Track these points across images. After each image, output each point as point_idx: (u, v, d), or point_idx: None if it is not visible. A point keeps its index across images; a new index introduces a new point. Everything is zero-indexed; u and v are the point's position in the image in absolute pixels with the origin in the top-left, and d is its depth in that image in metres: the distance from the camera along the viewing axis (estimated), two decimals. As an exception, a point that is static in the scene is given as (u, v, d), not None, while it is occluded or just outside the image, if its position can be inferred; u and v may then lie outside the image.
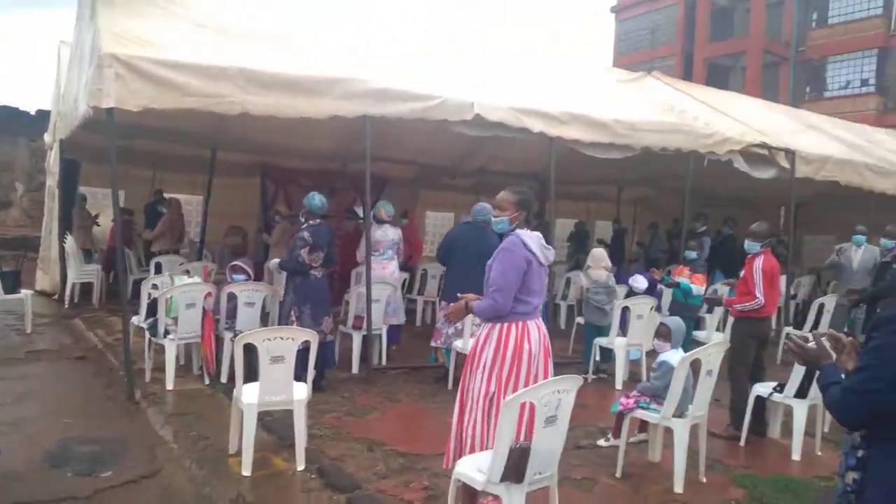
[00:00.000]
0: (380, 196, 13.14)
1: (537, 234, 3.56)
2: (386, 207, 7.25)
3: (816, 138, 10.94)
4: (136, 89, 5.29)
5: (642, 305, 6.71)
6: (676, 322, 4.51)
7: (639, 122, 7.94)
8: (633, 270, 11.51)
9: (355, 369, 6.57)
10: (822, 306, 8.26)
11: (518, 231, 3.50)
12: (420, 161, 11.79)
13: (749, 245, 5.31)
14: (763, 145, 9.07)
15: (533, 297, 3.46)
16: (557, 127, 7.32)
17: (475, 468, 3.06)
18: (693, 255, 7.42)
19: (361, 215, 8.69)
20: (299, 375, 4.39)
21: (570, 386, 3.06)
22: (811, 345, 2.26)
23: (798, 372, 4.82)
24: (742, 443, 5.12)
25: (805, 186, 10.86)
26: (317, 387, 5.91)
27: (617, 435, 4.47)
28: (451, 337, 6.21)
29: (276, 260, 6.24)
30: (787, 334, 3.40)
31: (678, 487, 4.08)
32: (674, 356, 4.26)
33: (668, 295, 7.65)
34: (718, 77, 25.70)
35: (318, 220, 5.99)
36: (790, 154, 9.26)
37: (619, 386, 6.61)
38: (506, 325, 3.41)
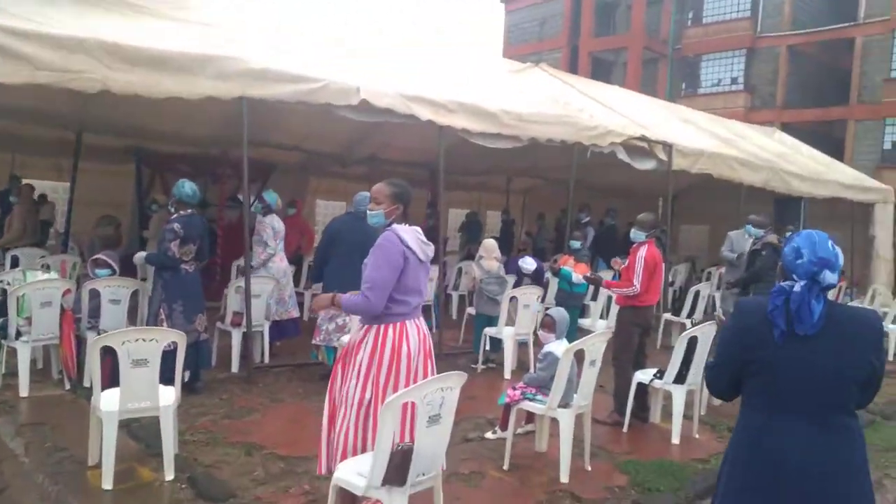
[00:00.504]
0: (265, 184, 12.80)
1: (415, 228, 3.37)
2: (269, 196, 6.89)
3: (692, 132, 11.49)
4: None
5: (529, 295, 6.74)
6: (561, 313, 4.51)
7: (526, 113, 7.97)
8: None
9: (235, 368, 6.21)
10: (697, 293, 8.63)
11: (395, 226, 3.29)
12: (307, 147, 11.39)
13: (635, 234, 5.41)
14: (643, 138, 9.37)
15: (411, 297, 3.27)
16: (446, 115, 7.21)
17: (355, 472, 2.89)
18: (577, 244, 7.54)
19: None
20: (168, 378, 4.04)
21: (453, 383, 2.94)
22: None
23: (677, 358, 4.96)
24: (625, 429, 5.22)
25: (681, 178, 11.42)
26: (192, 389, 5.57)
27: (504, 427, 4.42)
28: (332, 333, 5.97)
29: (143, 253, 5.77)
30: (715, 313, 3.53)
31: (564, 477, 4.08)
32: (558, 347, 4.25)
33: (554, 285, 7.75)
34: (602, 71, 26.62)
35: (189, 210, 5.57)
36: (668, 147, 9.63)
37: (507, 376, 6.61)
38: (382, 326, 3.21)
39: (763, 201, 12.41)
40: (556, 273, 7.04)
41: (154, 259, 5.49)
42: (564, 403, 4.14)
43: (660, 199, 18.04)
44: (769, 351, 2.16)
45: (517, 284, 7.45)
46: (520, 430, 4.61)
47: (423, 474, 2.92)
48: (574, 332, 7.59)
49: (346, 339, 5.78)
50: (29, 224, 9.44)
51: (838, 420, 2.17)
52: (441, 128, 7.23)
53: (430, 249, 3.38)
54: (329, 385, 3.32)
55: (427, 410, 2.82)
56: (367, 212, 3.37)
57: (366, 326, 3.24)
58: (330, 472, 3.16)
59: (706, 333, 5.02)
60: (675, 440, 5.00)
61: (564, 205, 14.03)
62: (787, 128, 21.24)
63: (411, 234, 3.29)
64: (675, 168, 9.74)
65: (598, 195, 15.52)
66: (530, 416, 4.64)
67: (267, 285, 6.39)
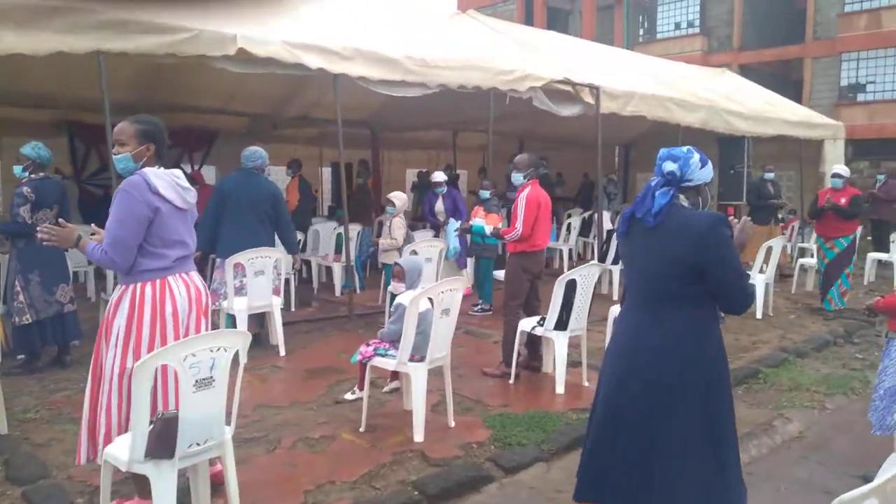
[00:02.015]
0: (209, 152, 12.33)
1: (173, 171, 2.98)
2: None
3: (626, 75, 11.09)
4: None
5: (431, 249, 6.44)
6: (412, 262, 4.22)
7: (433, 58, 7.56)
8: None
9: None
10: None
11: (146, 170, 2.89)
12: (233, 110, 10.89)
13: (514, 177, 5.11)
14: (566, 81, 9.00)
15: (170, 249, 2.90)
16: (339, 63, 6.79)
17: (125, 447, 2.60)
18: (486, 193, 7.20)
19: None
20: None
21: (228, 343, 2.64)
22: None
23: (556, 303, 4.70)
24: (511, 380, 4.98)
25: (634, 124, 11.03)
26: (61, 363, 5.29)
27: (362, 386, 4.16)
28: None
29: None
30: None
31: (418, 436, 3.84)
32: (407, 297, 3.96)
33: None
34: (559, 21, 26.03)
35: (42, 174, 5.18)
36: (594, 90, 9.26)
37: None
38: (139, 285, 2.85)
39: (706, 143, 12.18)
40: (468, 231, 6.73)
41: (3, 228, 5.11)
42: (419, 357, 3.86)
43: (616, 148, 17.95)
44: (622, 247, 2.54)
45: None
46: (386, 389, 4.36)
47: (199, 444, 2.63)
48: (490, 284, 7.36)
49: (237, 301, 5.50)
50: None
51: (666, 310, 2.39)
52: (335, 76, 6.82)
53: (192, 195, 3.01)
54: (93, 359, 2.96)
55: (192, 374, 2.52)
56: (113, 156, 2.94)
57: (122, 286, 2.90)
58: (90, 460, 2.86)
59: (586, 276, 4.74)
60: (560, 389, 4.77)
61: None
62: (745, 70, 20.86)
63: (166, 179, 2.90)
64: (604, 111, 9.38)
65: (555, 147, 15.18)
66: (397, 373, 4.38)
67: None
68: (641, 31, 25.63)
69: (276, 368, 5.28)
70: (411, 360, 3.84)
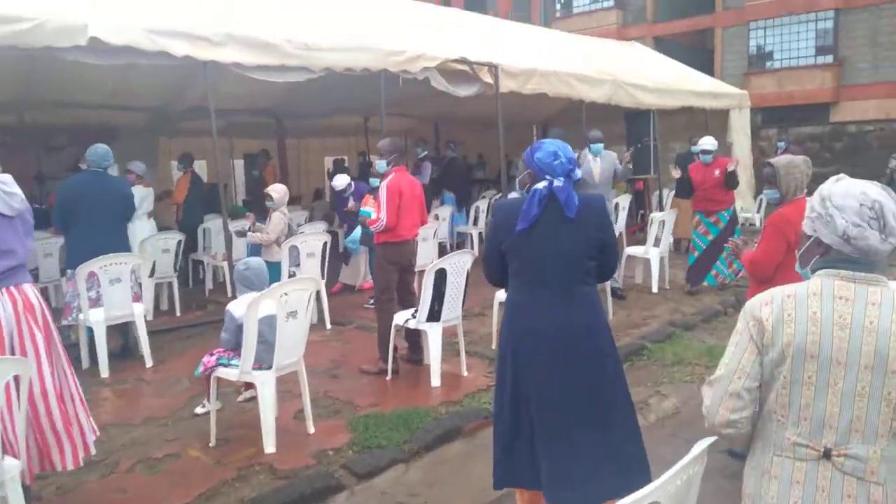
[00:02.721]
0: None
1: None
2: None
3: (531, 53, 10.95)
4: None
5: (312, 243, 6.17)
6: (253, 263, 3.94)
7: (314, 41, 7.22)
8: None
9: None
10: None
11: None
12: (116, 104, 10.27)
13: (378, 164, 4.90)
14: (462, 60, 8.80)
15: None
16: (209, 49, 6.39)
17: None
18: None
19: (139, 172, 7.41)
20: None
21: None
22: None
23: (426, 294, 4.52)
24: (388, 376, 4.80)
25: (550, 103, 10.85)
26: None
27: (210, 398, 3.90)
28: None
29: None
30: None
31: (269, 447, 3.62)
32: (237, 303, 3.70)
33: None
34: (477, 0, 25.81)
35: None
36: (493, 68, 9.09)
37: None
38: None
39: (613, 118, 12.21)
40: (353, 214, 6.50)
41: None
42: (267, 366, 3.61)
43: (534, 127, 17.90)
44: (517, 238, 2.56)
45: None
46: (241, 398, 4.10)
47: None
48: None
49: (93, 313, 5.14)
50: None
51: (578, 287, 2.60)
52: (205, 64, 6.43)
53: (19, 199, 2.74)
54: None
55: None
56: None
57: None
58: None
59: (457, 264, 4.58)
60: (436, 382, 4.61)
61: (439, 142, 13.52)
62: (660, 42, 21.07)
63: None
64: (504, 90, 9.22)
65: (477, 129, 14.86)
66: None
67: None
68: (558, 7, 25.63)
69: (140, 381, 4.97)
70: (257, 368, 3.59)
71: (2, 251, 2.72)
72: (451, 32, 9.99)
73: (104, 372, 5.02)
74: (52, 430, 2.84)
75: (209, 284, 8.31)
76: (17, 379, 2.46)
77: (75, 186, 5.47)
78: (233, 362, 3.65)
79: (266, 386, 3.56)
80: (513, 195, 10.85)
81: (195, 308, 7.28)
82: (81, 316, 5.08)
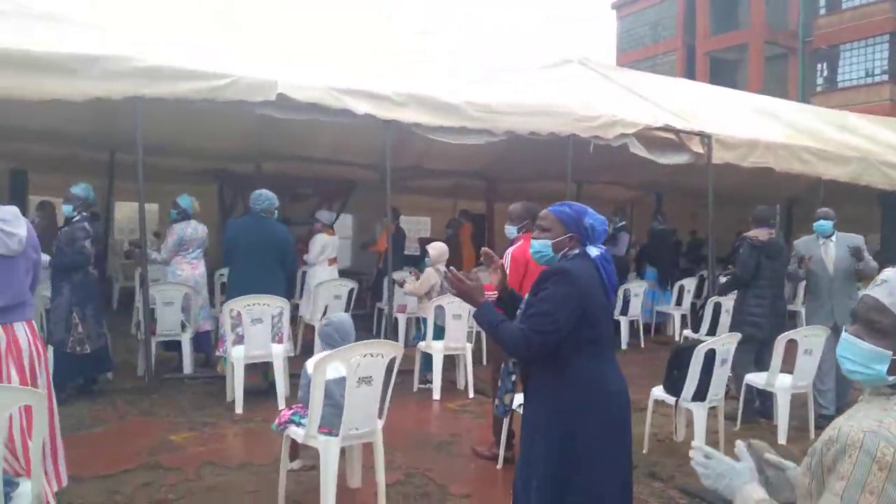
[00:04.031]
0: (346, 203, 12.69)
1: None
2: (183, 201, 6.58)
3: (760, 124, 9.83)
4: None
5: (459, 304, 5.84)
6: (337, 320, 3.65)
7: (497, 104, 7.08)
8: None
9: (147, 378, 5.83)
10: (719, 305, 7.16)
11: None
12: (342, 160, 10.96)
13: (507, 229, 4.48)
14: (668, 128, 8.10)
15: None
16: (391, 109, 6.54)
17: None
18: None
19: (325, 221, 8.13)
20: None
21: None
22: (471, 283, 2.48)
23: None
24: (499, 464, 4.21)
25: (796, 181, 9.57)
26: (88, 392, 5.45)
27: (292, 456, 3.66)
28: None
29: (47, 257, 5.55)
30: (448, 267, 2.76)
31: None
32: (313, 360, 3.42)
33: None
34: (724, 72, 24.32)
35: (88, 213, 5.49)
36: (706, 138, 8.25)
37: (436, 396, 5.81)
38: None
39: (865, 200, 10.45)
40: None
41: (59, 261, 5.28)
42: (336, 431, 3.29)
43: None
44: (601, 305, 2.49)
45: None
46: (289, 468, 3.79)
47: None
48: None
49: (234, 350, 5.31)
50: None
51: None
52: (385, 123, 6.56)
53: (18, 240, 2.80)
54: None
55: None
56: None
57: None
58: None
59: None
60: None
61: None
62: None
63: None
64: (718, 161, 8.32)
65: (698, 203, 13.66)
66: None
67: (178, 292, 6.03)
68: (820, 81, 23.20)
69: (264, 423, 4.91)
70: (325, 432, 3.29)
71: None
72: (664, 100, 9.31)
73: (238, 408, 5.11)
74: (22, 473, 2.78)
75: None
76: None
77: (234, 230, 5.80)
78: (303, 421, 3.39)
79: (328, 453, 3.24)
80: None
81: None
82: (228, 351, 5.30)
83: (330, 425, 3.28)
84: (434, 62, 8.04)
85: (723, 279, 5.96)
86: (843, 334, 1.52)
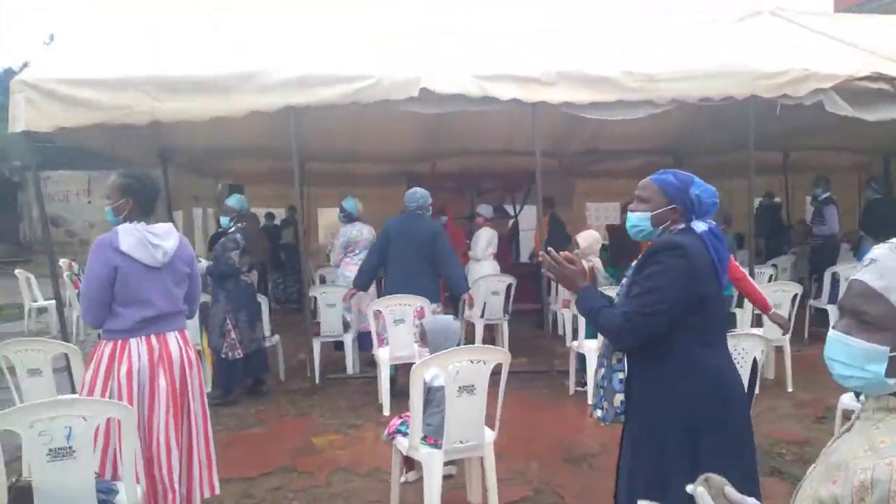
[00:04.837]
0: (528, 192, 12.59)
1: (149, 226, 2.92)
2: (347, 204, 6.76)
3: None
4: (46, 110, 5.51)
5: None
6: (438, 322, 3.40)
7: (660, 71, 6.40)
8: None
9: (317, 379, 6.07)
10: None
11: (120, 226, 2.91)
12: (513, 148, 10.73)
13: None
14: (879, 77, 6.80)
15: (133, 309, 2.84)
16: (537, 90, 6.20)
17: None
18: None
19: (513, 214, 8.15)
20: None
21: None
22: (572, 267, 2.28)
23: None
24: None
25: None
26: (259, 392, 5.81)
27: (410, 467, 3.52)
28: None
29: (204, 263, 6.04)
30: (547, 249, 2.50)
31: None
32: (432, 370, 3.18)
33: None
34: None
35: (243, 224, 5.81)
36: (933, 83, 6.82)
37: (590, 400, 5.36)
38: (101, 344, 2.90)
39: None
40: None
41: (214, 270, 5.71)
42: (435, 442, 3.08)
43: None
44: (715, 287, 2.22)
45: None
46: (402, 480, 3.60)
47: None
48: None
49: (381, 351, 5.32)
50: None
51: None
52: (534, 105, 6.22)
53: (163, 252, 2.88)
54: None
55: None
56: (107, 209, 2.99)
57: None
58: None
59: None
60: None
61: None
62: None
63: (135, 236, 2.84)
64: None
65: None
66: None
67: (338, 294, 6.19)
68: None
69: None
70: (432, 444, 3.10)
71: (139, 301, 2.86)
72: (877, 45, 7.86)
73: (386, 410, 5.12)
74: (164, 482, 2.87)
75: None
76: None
77: (387, 227, 5.82)
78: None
79: (432, 467, 3.05)
80: None
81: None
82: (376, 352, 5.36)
83: (437, 436, 3.09)
84: (586, 35, 7.46)
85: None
86: (830, 332, 1.22)
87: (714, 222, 2.32)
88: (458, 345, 3.29)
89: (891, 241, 1.21)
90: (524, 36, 7.22)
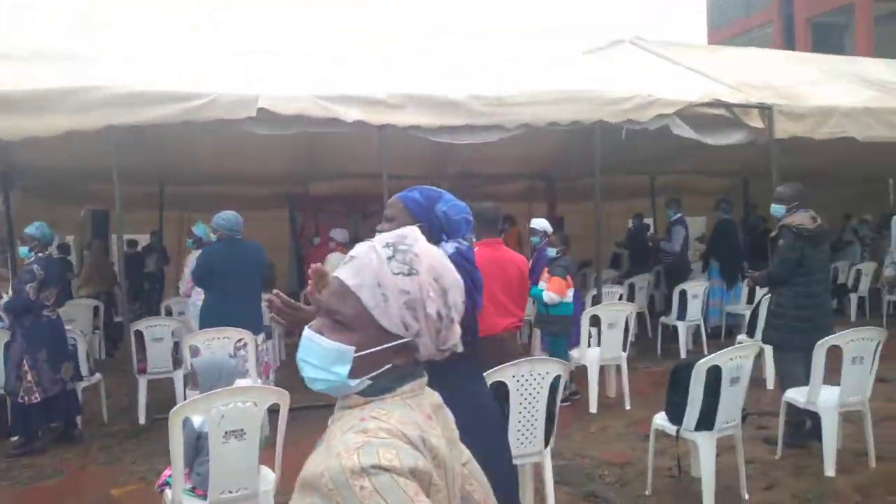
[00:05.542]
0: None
1: None
2: (197, 230, 6.39)
3: (848, 89, 8.52)
4: None
5: (617, 312, 5.30)
6: (211, 361, 3.15)
7: (509, 95, 6.42)
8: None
9: (142, 419, 5.61)
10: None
11: None
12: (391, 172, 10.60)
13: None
14: (718, 103, 7.10)
15: None
16: (384, 113, 6.06)
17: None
18: (552, 252, 5.70)
19: (340, 239, 7.85)
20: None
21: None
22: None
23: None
24: None
25: None
26: (70, 438, 5.24)
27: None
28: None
29: (3, 299, 5.46)
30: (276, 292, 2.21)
31: None
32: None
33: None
34: (828, 38, 22.02)
35: (48, 252, 5.26)
36: (766, 110, 7.19)
37: (593, 409, 5.44)
38: None
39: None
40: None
41: (9, 305, 5.17)
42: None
43: (889, 181, 14.27)
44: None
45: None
46: None
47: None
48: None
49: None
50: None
51: None
52: (379, 128, 6.08)
53: None
54: None
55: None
56: None
57: None
58: None
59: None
60: None
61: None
62: None
63: None
64: (782, 136, 7.24)
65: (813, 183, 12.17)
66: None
67: (168, 328, 5.77)
68: (944, 35, 20.51)
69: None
70: (197, 494, 2.80)
71: None
72: (725, 74, 8.24)
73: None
74: None
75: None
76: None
77: (208, 256, 5.43)
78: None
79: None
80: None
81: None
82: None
83: (205, 487, 2.80)
84: (444, 60, 7.46)
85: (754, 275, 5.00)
86: (306, 331, 1.13)
87: (466, 242, 2.18)
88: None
89: (374, 238, 1.17)
90: (373, 58, 7.11)
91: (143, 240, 11.34)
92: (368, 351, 1.07)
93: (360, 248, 1.15)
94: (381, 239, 1.14)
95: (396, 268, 1.08)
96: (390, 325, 1.07)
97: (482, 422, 2.06)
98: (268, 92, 5.73)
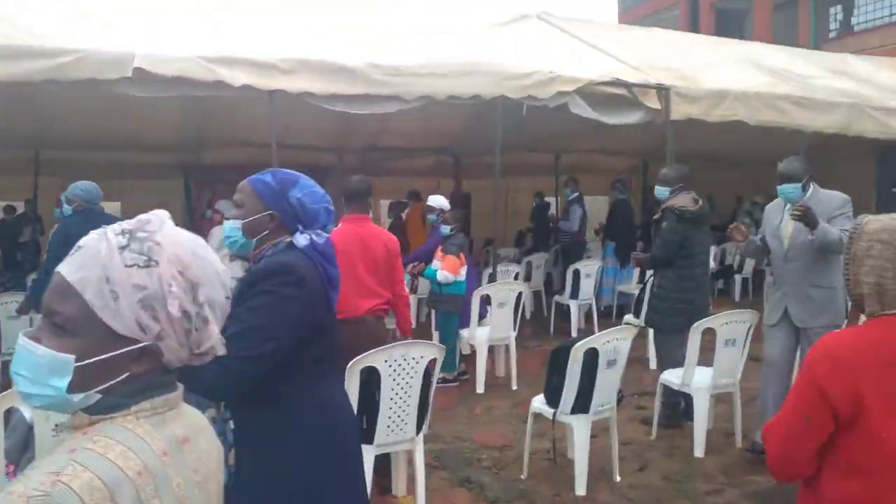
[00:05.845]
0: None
1: None
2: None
3: (744, 73, 8.76)
4: None
5: (506, 291, 5.16)
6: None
7: (408, 66, 6.22)
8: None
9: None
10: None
11: None
12: (291, 143, 10.13)
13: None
14: (617, 83, 7.14)
15: None
16: (276, 78, 5.74)
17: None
18: (446, 229, 5.62)
19: (226, 212, 7.38)
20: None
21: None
22: None
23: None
24: None
25: (806, 136, 8.45)
26: None
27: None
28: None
29: None
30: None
31: None
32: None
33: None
34: (730, 23, 22.85)
35: None
36: (663, 91, 7.28)
37: (480, 390, 5.38)
38: None
39: (859, 155, 9.41)
40: (420, 274, 5.32)
41: None
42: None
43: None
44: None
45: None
46: None
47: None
48: (454, 350, 5.73)
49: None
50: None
51: None
52: (271, 94, 5.76)
53: None
54: None
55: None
56: None
57: None
58: None
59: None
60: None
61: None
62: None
63: None
64: (678, 117, 7.34)
65: (706, 166, 12.46)
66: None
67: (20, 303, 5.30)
68: (835, 25, 21.61)
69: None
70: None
71: None
72: (627, 51, 8.30)
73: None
74: None
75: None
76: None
77: (65, 230, 4.96)
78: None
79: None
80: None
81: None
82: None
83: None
84: (345, 30, 7.15)
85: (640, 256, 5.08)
86: (20, 338, 0.94)
87: (324, 234, 1.97)
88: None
89: (112, 225, 0.99)
90: (267, 21, 6.74)
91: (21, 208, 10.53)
92: (93, 359, 0.89)
93: (90, 237, 0.96)
94: (118, 225, 0.96)
95: (130, 259, 0.91)
96: (122, 327, 0.90)
97: (326, 444, 1.89)
98: (145, 51, 5.32)
